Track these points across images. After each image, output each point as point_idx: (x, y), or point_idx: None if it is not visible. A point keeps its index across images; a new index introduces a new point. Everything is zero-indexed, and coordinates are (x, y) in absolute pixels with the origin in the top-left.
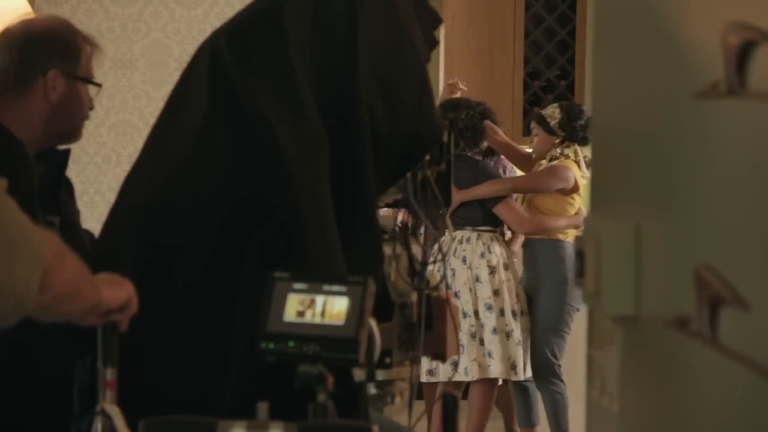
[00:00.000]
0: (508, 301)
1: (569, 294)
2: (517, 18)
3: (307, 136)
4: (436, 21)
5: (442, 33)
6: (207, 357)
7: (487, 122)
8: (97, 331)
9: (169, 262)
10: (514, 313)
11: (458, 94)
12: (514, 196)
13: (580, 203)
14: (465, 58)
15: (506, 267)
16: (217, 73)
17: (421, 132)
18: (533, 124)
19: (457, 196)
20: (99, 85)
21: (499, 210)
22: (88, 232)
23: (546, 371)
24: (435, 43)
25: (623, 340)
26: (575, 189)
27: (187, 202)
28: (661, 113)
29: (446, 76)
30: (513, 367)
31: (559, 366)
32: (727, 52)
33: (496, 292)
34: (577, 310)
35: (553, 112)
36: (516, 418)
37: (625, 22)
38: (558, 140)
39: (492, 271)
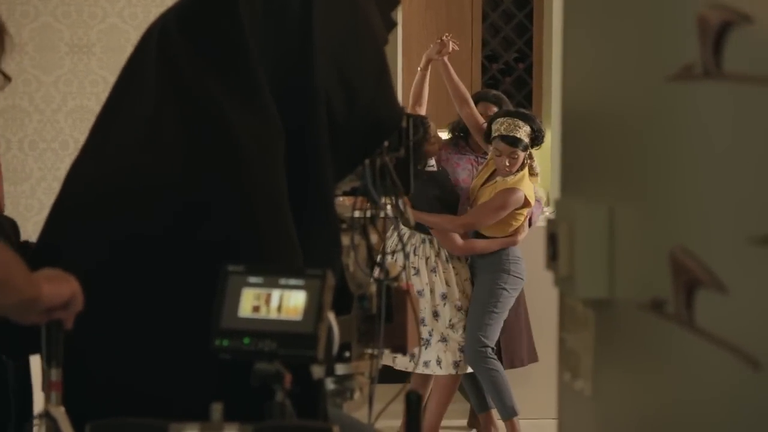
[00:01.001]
0: (430, 302)
1: (504, 279)
2: (475, 0)
3: (262, 125)
4: (394, 2)
5: (399, 16)
6: (160, 354)
7: (461, 90)
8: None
9: (119, 255)
10: (435, 314)
11: (445, 59)
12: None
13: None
14: (423, 41)
15: (433, 270)
16: (166, 59)
17: (379, 118)
18: (509, 150)
19: None
20: (9, 79)
21: (435, 233)
22: (8, 218)
23: (477, 354)
24: (393, 25)
25: (596, 324)
26: (526, 205)
27: (138, 192)
28: (633, 95)
29: (404, 60)
30: (438, 362)
31: (493, 349)
32: (704, 34)
33: (418, 293)
34: (512, 298)
35: (525, 130)
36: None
37: (596, 1)
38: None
39: (416, 272)
